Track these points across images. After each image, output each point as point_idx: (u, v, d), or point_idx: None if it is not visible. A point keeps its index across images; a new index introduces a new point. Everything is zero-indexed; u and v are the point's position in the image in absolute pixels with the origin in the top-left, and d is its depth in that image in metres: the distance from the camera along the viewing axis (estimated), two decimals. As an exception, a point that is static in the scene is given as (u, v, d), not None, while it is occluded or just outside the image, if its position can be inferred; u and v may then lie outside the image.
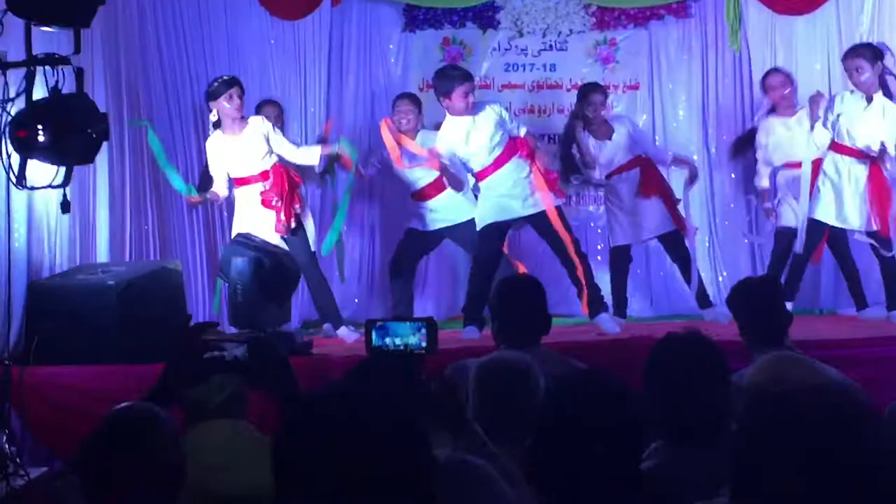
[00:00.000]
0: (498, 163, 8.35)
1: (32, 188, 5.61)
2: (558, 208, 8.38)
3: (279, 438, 2.73)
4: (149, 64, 8.23)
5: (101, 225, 7.55)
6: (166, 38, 8.54)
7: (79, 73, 5.23)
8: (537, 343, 5.08)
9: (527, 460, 3.20)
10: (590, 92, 9.03)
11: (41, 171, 5.52)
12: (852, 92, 8.48)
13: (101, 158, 7.40)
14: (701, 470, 3.32)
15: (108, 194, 7.58)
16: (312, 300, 8.67)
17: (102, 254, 7.54)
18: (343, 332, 8.23)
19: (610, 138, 8.97)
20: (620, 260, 9.11)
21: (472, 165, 8.43)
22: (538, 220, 8.38)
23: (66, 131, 5.16)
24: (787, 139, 9.11)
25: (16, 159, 5.28)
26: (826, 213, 8.51)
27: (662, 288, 10.24)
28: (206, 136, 8.68)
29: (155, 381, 3.43)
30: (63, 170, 5.28)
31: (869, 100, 8.39)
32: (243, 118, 8.07)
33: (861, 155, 8.42)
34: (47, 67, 5.28)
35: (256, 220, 8.05)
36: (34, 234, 7.07)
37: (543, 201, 8.30)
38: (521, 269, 8.64)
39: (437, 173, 8.75)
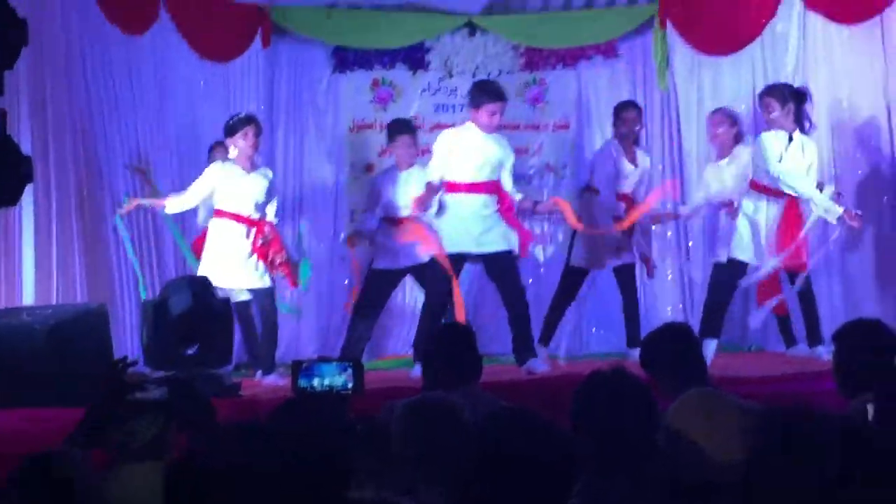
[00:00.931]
0: (474, 187, 8.36)
1: (-46, 231, 5.56)
2: (511, 254, 8.40)
3: (178, 467, 2.69)
4: (75, 105, 8.18)
5: (27, 267, 7.48)
6: (94, 78, 8.49)
7: (1, 116, 5.18)
8: (468, 384, 5.06)
9: (456, 499, 3.19)
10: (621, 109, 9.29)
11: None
12: (775, 132, 8.57)
13: (27, 200, 7.35)
14: (629, 504, 3.32)
15: (33, 236, 7.51)
16: (256, 345, 8.62)
17: (29, 296, 7.47)
18: (271, 378, 8.17)
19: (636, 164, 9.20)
20: (575, 282, 9.16)
21: (452, 174, 8.40)
22: (489, 262, 8.39)
23: (-11, 174, 5.11)
24: (718, 180, 9.18)
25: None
26: (745, 253, 8.58)
27: (590, 326, 10.32)
28: (134, 177, 8.66)
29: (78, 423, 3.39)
30: (-14, 212, 5.23)
31: (790, 139, 8.49)
32: (255, 161, 8.32)
33: (778, 193, 8.50)
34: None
35: (229, 256, 8.13)
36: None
37: (499, 243, 8.32)
38: (461, 313, 8.57)
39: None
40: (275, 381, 8.10)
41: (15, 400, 6.54)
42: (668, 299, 10.36)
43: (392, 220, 9.17)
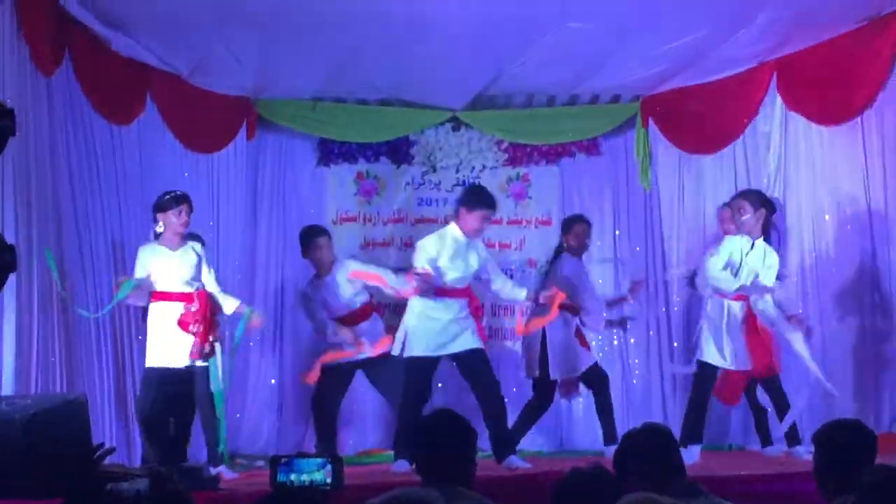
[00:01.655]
0: (454, 292, 8.39)
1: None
2: (483, 352, 8.41)
3: None
4: (60, 195, 8.18)
5: (6, 357, 7.42)
6: (78, 167, 8.50)
7: (-14, 204, 5.21)
8: (459, 482, 4.86)
9: None
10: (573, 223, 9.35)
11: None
12: (740, 236, 8.62)
13: (9, 288, 7.32)
14: None
15: (14, 326, 7.47)
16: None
17: (7, 386, 7.41)
18: (222, 469, 8.10)
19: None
20: (545, 393, 9.16)
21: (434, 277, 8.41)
22: (462, 360, 8.39)
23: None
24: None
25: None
26: (713, 356, 8.60)
27: (567, 423, 10.32)
28: (116, 270, 8.66)
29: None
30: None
31: (752, 245, 8.56)
32: (183, 237, 8.20)
33: (741, 297, 8.53)
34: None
35: (169, 339, 8.04)
36: (-62, 365, 6.96)
37: (470, 341, 8.34)
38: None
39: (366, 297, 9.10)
40: (226, 473, 8.01)
41: (-9, 490, 6.47)
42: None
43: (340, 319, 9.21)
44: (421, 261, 8.41)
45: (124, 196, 9.02)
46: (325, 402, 9.21)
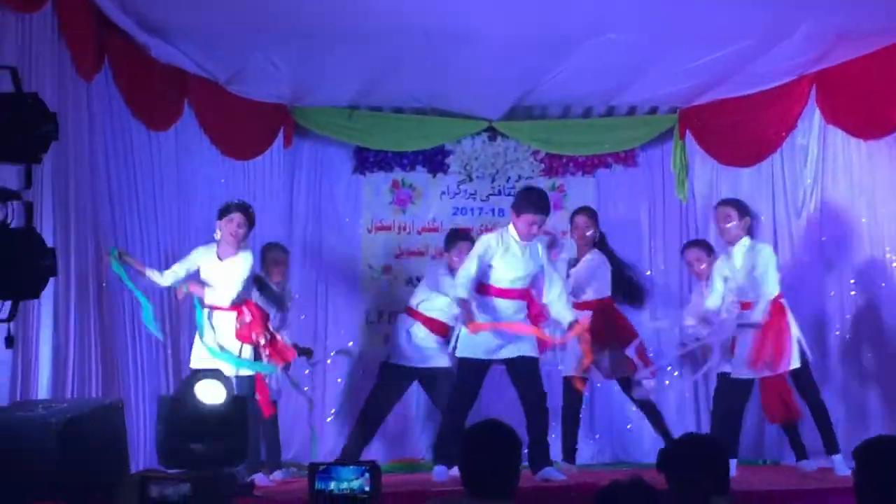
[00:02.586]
0: (508, 293, 8.35)
1: (-23, 322, 5.56)
2: (536, 360, 8.36)
3: None
4: (98, 199, 8.22)
5: (43, 360, 7.44)
6: (116, 172, 8.53)
7: (28, 208, 5.21)
8: (502, 495, 4.78)
9: None
10: (575, 214, 9.33)
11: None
12: (725, 253, 8.60)
13: (46, 293, 7.35)
14: None
15: (52, 329, 7.50)
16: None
17: (44, 390, 7.43)
18: (257, 476, 8.10)
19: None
20: (573, 396, 9.10)
21: (488, 278, 8.37)
22: (513, 366, 8.35)
23: (13, 267, 5.12)
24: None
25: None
26: (739, 368, 8.53)
27: (608, 434, 10.28)
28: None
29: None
30: (9, 304, 5.23)
31: (732, 253, 8.54)
32: (237, 248, 8.20)
33: (748, 306, 8.47)
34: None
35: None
36: (-26, 368, 6.98)
37: (524, 348, 8.29)
38: None
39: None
40: (259, 481, 8.02)
41: (26, 494, 6.47)
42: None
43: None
44: (474, 253, 8.40)
45: (161, 201, 9.06)
46: (378, 405, 9.18)
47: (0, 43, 7.13)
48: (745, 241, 8.48)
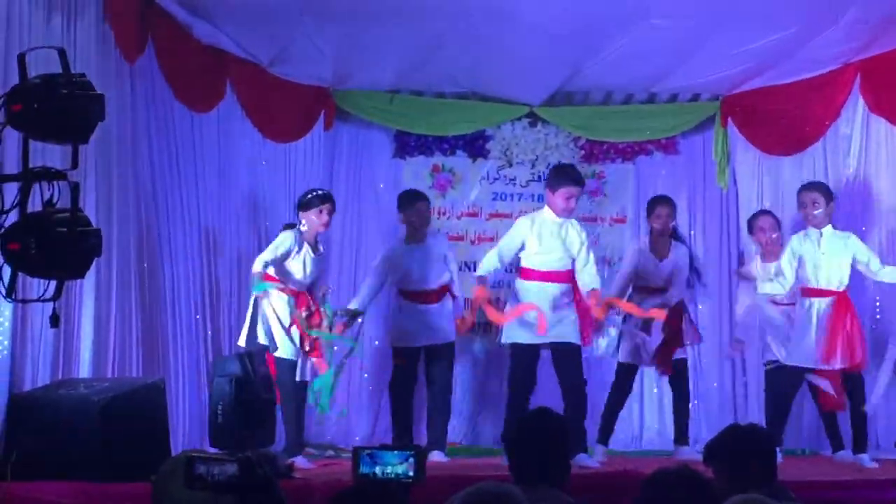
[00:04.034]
0: (549, 276, 8.34)
1: (23, 301, 5.58)
2: (579, 347, 8.36)
3: None
4: (140, 180, 8.25)
5: (85, 339, 7.49)
6: (158, 153, 8.57)
7: (74, 188, 5.22)
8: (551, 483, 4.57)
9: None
10: (656, 204, 9.23)
11: (30, 284, 5.51)
12: (805, 234, 8.53)
13: (89, 272, 7.38)
14: None
15: (93, 308, 7.53)
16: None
17: (85, 368, 7.47)
18: (297, 458, 8.13)
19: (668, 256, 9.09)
20: (626, 378, 9.07)
21: (526, 261, 8.41)
22: (556, 352, 8.34)
23: (59, 246, 5.14)
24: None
25: (6, 271, 5.24)
26: (804, 358, 8.49)
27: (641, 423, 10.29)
28: (193, 254, 8.76)
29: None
30: (54, 283, 5.25)
31: (819, 235, 8.47)
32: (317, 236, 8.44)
33: (825, 293, 8.43)
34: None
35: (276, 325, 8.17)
36: (18, 346, 7.01)
37: (568, 334, 8.29)
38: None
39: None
40: (299, 464, 8.04)
41: (67, 471, 6.51)
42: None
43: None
44: (508, 238, 8.47)
45: (203, 182, 9.10)
46: (399, 388, 9.17)
47: (47, 25, 7.17)
48: (829, 227, 8.46)
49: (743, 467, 4.53)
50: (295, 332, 8.13)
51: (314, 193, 8.45)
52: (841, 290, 8.47)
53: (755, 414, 9.48)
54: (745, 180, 10.39)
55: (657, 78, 10.14)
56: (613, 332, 9.18)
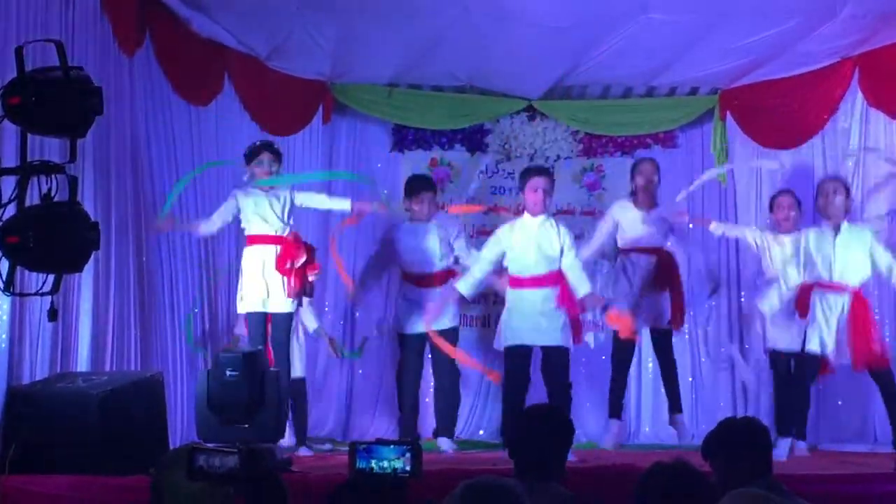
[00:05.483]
0: (534, 281, 8.34)
1: (22, 294, 5.58)
2: (567, 351, 8.37)
3: None
4: (138, 173, 8.25)
5: (83, 333, 7.49)
6: (156, 147, 8.57)
7: (72, 182, 5.22)
8: (550, 477, 4.63)
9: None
10: (639, 163, 9.33)
11: (29, 277, 5.51)
12: (820, 228, 8.51)
13: (87, 266, 7.39)
14: None
15: (91, 302, 7.54)
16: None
17: (83, 362, 7.48)
18: (297, 450, 8.12)
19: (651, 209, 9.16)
20: (624, 352, 9.11)
21: (510, 268, 8.43)
22: (546, 354, 8.37)
23: (57, 239, 5.14)
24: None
25: (5, 265, 5.25)
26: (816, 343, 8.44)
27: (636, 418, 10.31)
28: (189, 247, 8.75)
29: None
30: (52, 277, 5.25)
31: (836, 229, 8.41)
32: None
33: (838, 288, 8.39)
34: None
35: (264, 283, 8.16)
36: (16, 340, 7.01)
37: (556, 337, 8.29)
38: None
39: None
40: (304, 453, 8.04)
41: (65, 465, 6.52)
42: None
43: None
44: (488, 248, 8.48)
45: (200, 176, 9.07)
46: (403, 376, 9.16)
47: (44, 17, 7.17)
48: (845, 221, 8.45)
49: (738, 460, 4.55)
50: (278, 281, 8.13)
51: (256, 143, 8.50)
52: (857, 287, 8.38)
53: (762, 407, 9.50)
54: (743, 174, 10.38)
55: (656, 72, 10.13)
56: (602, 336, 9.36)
